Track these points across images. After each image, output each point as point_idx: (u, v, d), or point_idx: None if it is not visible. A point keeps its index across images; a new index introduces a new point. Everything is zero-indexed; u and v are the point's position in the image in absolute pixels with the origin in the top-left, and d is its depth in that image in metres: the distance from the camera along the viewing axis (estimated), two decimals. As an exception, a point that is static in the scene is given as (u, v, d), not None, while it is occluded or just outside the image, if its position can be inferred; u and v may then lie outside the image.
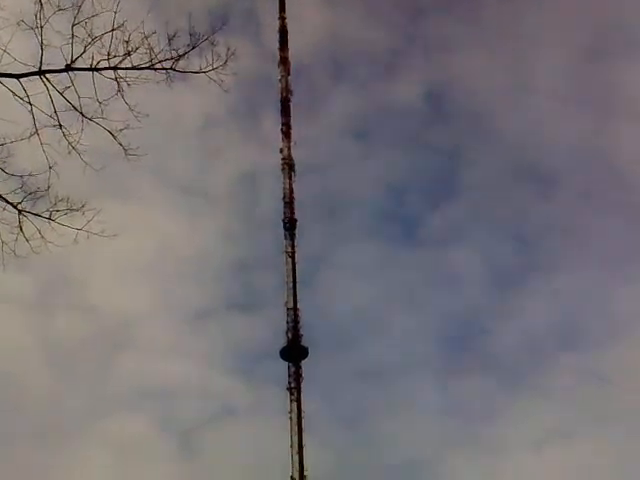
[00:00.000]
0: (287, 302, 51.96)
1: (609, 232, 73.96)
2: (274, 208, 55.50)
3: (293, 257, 53.17)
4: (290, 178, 54.30)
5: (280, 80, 55.46)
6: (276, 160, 55.01)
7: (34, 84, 9.09)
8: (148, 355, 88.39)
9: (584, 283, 76.08)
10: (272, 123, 56.92)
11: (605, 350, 78.23)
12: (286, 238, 53.54)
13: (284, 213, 53.76)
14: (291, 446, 52.22)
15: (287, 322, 52.12)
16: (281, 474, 51.44)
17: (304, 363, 52.26)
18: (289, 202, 54.08)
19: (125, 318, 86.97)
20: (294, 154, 54.86)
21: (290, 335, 52.40)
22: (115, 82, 9.25)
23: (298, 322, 52.06)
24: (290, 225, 53.79)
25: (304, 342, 52.13)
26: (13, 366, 71.17)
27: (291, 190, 54.43)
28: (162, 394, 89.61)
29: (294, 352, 51.99)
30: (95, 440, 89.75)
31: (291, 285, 52.24)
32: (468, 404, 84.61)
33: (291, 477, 50.56)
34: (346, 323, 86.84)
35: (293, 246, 53.63)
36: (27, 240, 9.09)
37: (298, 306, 52.23)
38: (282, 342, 51.55)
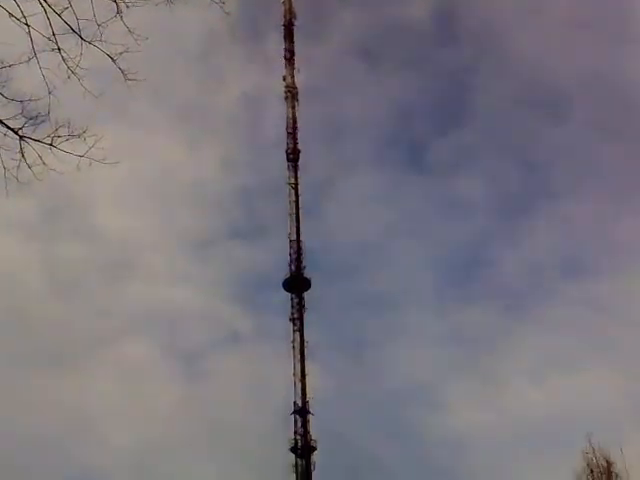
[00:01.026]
0: (290, 234, 52.12)
1: (620, 158, 72.39)
2: (277, 134, 54.44)
3: (296, 189, 52.92)
4: (293, 107, 53.28)
5: (283, 2, 53.79)
6: (279, 85, 53.89)
7: (31, 4, 8.81)
8: (152, 281, 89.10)
9: (590, 211, 75.23)
10: (275, 45, 55.10)
11: (607, 279, 78.38)
12: (289, 169, 53.12)
13: (287, 144, 53.11)
14: (294, 374, 53.51)
15: (290, 254, 52.46)
16: (284, 400, 52.90)
17: (307, 294, 53.02)
18: (292, 132, 53.32)
19: (128, 244, 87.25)
20: (298, 79, 53.73)
21: (293, 267, 52.82)
22: (114, 3, 8.97)
23: (301, 254, 52.35)
24: (293, 156, 53.25)
25: (307, 274, 52.60)
26: (19, 292, 72.26)
27: (294, 120, 53.57)
28: (166, 320, 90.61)
29: (297, 284, 52.52)
30: (103, 364, 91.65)
31: (294, 217, 52.24)
32: (469, 332, 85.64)
33: (294, 403, 52.02)
34: (350, 252, 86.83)
35: (296, 178, 53.25)
36: (29, 166, 9.04)
37: (301, 238, 52.49)
38: (285, 273, 52.07)
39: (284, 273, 52.26)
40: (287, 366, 53.87)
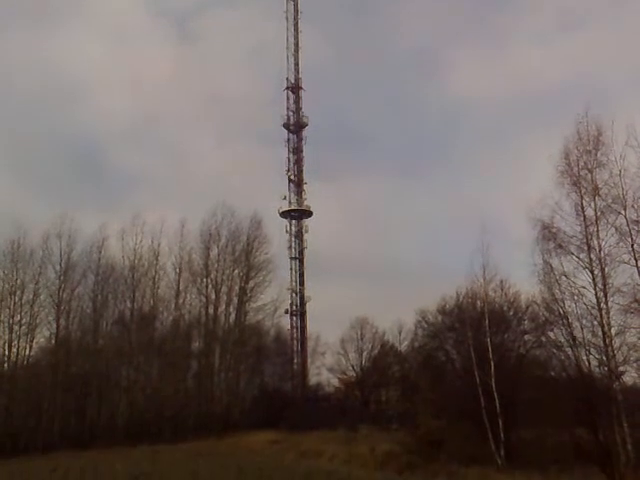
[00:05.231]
0: None
1: None
2: None
3: None
4: None
5: None
6: None
7: None
8: None
9: None
10: None
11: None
12: None
13: None
14: (287, 47, 51.49)
15: None
16: (277, 77, 52.11)
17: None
18: None
19: None
20: None
21: None
22: None
23: None
24: None
25: None
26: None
27: None
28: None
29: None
30: (88, 21, 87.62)
31: None
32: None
33: (286, 79, 51.34)
34: None
35: None
36: None
37: None
38: None
39: None
40: (281, 37, 51.84)
